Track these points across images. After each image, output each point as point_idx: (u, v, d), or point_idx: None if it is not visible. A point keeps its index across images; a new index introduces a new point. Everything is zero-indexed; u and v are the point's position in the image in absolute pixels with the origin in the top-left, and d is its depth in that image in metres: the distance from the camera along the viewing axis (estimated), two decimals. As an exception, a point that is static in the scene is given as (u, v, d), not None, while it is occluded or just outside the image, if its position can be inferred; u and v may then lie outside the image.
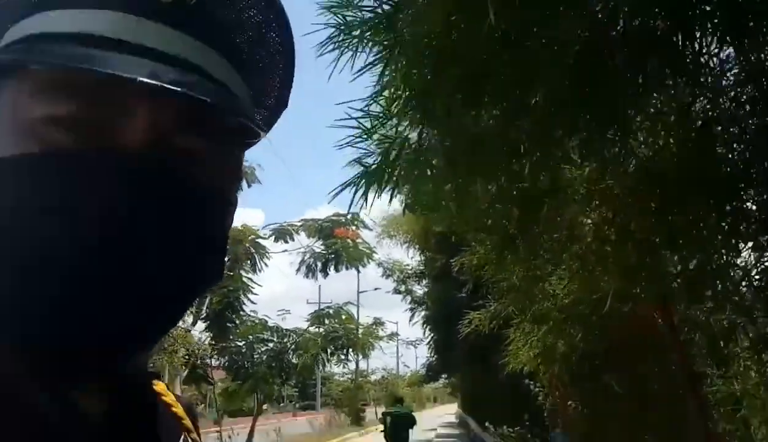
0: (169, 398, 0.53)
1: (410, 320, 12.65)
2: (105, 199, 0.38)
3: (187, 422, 0.54)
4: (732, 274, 1.77)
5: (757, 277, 1.53)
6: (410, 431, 12.02)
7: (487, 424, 11.38)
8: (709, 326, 1.96)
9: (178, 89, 0.38)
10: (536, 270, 3.26)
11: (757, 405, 2.15)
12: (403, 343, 36.55)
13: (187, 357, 12.46)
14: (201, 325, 13.98)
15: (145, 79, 0.37)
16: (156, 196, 0.39)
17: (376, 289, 27.93)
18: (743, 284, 1.66)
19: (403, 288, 15.43)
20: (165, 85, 0.38)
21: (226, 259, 0.49)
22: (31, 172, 0.38)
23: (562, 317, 3.05)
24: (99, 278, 0.38)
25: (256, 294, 13.61)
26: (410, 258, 13.38)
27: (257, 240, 11.77)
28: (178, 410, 0.53)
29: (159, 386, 0.52)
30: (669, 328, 2.05)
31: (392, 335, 27.81)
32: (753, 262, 1.59)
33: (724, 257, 1.79)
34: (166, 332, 0.46)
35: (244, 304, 13.52)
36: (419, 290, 14.43)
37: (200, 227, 0.43)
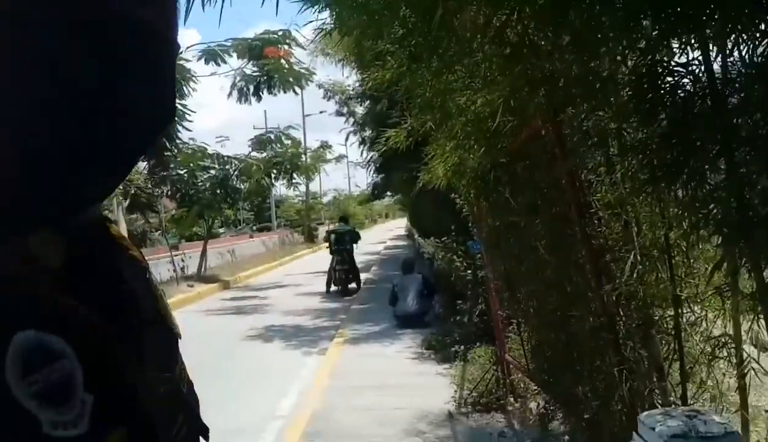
0: (126, 241, 0.54)
1: (347, 140, 12.50)
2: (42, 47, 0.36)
3: (146, 263, 0.55)
4: (617, 80, 1.68)
5: (633, 81, 1.44)
6: (354, 245, 12.75)
7: (416, 236, 12.09)
8: (597, 133, 1.92)
9: None
10: (448, 84, 3.12)
11: (637, 212, 2.23)
12: (352, 164, 37.14)
13: (122, 187, 12.27)
14: (137, 154, 13.56)
15: None
16: (87, 38, 0.37)
17: (321, 112, 27.42)
18: (625, 89, 1.58)
19: (345, 110, 15.08)
20: None
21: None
22: None
23: (468, 131, 2.99)
24: (44, 127, 0.37)
25: (191, 121, 13.14)
26: (345, 77, 12.80)
27: (179, 62, 10.88)
28: (136, 252, 0.55)
29: (113, 229, 0.53)
30: (557, 138, 2.01)
31: (340, 157, 28.09)
32: (633, 66, 1.49)
33: (615, 61, 1.68)
34: (119, 178, 0.46)
35: (179, 131, 13.08)
36: (362, 111, 14.13)
37: (132, 62, 0.40)
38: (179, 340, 0.56)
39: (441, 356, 6.08)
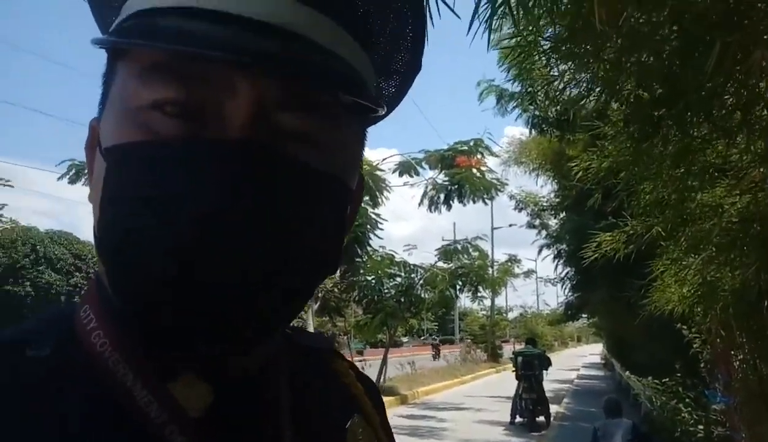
0: (349, 378, 0.54)
1: (539, 254, 11.52)
2: (210, 192, 0.35)
3: (367, 406, 0.53)
4: None
5: None
6: (545, 371, 11.29)
7: (628, 373, 10.20)
8: None
9: (280, 64, 0.37)
10: (692, 173, 2.31)
11: None
12: (542, 280, 35.12)
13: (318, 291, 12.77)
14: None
15: (240, 57, 0.36)
16: (264, 184, 0.37)
17: (510, 225, 26.73)
18: None
19: (537, 222, 14.26)
20: (264, 61, 0.36)
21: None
22: (138, 161, 0.38)
23: (730, 241, 2.10)
24: (209, 274, 0.36)
25: (382, 229, 13.46)
26: (539, 187, 12.14)
27: (375, 173, 11.33)
28: (358, 392, 0.53)
29: (341, 364, 0.54)
30: None
31: (529, 272, 26.66)
32: None
33: None
34: (281, 327, 0.45)
35: (371, 239, 13.44)
36: (555, 224, 13.20)
37: (314, 215, 0.40)
38: None
39: None
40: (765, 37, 1.29)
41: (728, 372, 3.16)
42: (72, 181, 11.27)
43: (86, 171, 0.47)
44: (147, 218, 0.36)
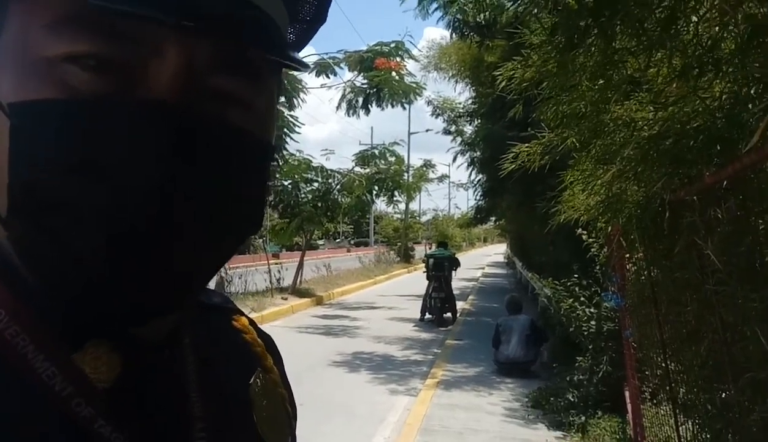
0: (251, 335, 0.54)
1: (454, 161, 11.77)
2: (145, 159, 0.34)
3: (268, 361, 0.54)
4: None
5: None
6: (453, 272, 11.91)
7: (531, 275, 10.99)
8: None
9: (218, 26, 0.34)
10: (610, 87, 2.32)
11: None
12: (454, 185, 36.29)
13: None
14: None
15: (178, 20, 0.33)
16: (192, 149, 0.35)
17: (427, 130, 26.94)
18: None
19: (453, 128, 14.43)
20: (200, 23, 0.34)
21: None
22: (49, 120, 0.34)
23: (642, 154, 2.16)
24: (124, 240, 0.34)
25: (298, 132, 13.02)
26: (457, 93, 12.20)
27: (291, 73, 10.78)
28: (260, 348, 0.54)
29: (241, 321, 0.54)
30: None
31: (442, 177, 27.33)
32: None
33: None
34: (195, 294, 0.43)
35: (287, 143, 13.02)
36: (470, 131, 13.39)
37: (241, 178, 0.38)
38: None
39: (551, 420, 5.11)
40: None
41: (623, 276, 3.43)
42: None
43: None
44: (73, 185, 0.34)
